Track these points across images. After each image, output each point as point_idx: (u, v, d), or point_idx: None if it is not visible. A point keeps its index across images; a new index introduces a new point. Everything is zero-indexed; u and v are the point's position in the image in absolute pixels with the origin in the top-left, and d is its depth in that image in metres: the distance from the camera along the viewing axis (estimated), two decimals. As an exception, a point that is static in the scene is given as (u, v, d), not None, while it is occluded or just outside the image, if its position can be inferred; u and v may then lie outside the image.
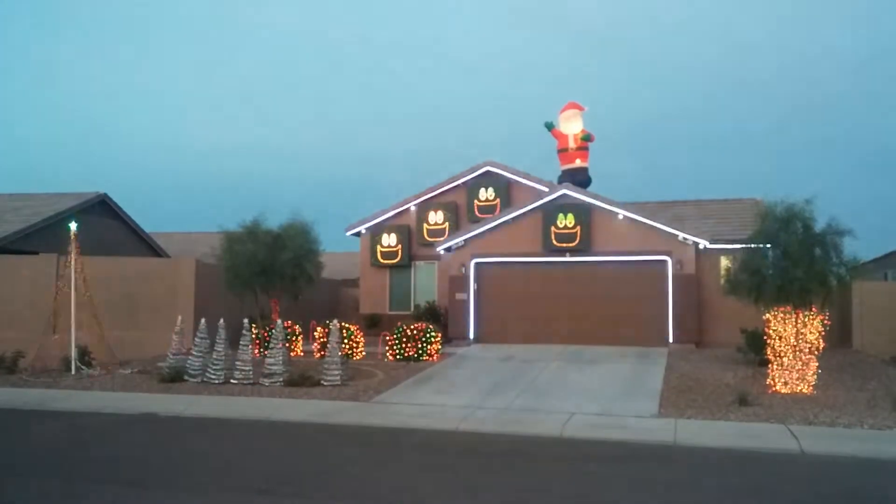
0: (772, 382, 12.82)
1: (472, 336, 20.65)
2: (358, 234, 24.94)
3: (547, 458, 8.68)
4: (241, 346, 14.01)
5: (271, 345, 14.11)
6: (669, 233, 19.73)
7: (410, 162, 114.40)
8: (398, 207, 24.33)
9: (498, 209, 22.64)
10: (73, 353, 15.49)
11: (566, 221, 20.27)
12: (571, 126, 23.24)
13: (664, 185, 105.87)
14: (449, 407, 11.61)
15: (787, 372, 12.66)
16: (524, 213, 20.87)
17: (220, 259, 16.06)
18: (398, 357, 16.69)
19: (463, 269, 21.12)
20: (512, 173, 23.40)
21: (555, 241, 20.32)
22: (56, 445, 9.40)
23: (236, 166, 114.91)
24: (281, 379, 13.55)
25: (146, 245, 26.97)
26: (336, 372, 13.52)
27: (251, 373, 13.75)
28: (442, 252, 22.00)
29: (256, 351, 15.02)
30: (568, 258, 20.42)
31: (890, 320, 17.87)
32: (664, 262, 19.78)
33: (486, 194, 23.47)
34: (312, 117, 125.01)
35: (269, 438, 9.84)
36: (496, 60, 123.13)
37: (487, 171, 23.63)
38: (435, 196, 24.04)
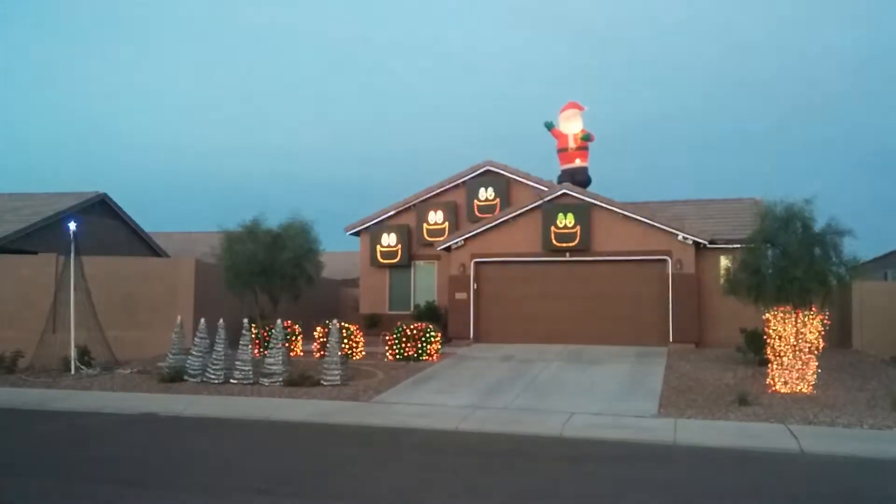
0: (771, 382, 12.83)
1: (471, 336, 20.66)
2: (358, 234, 24.93)
3: (547, 457, 8.68)
4: (240, 346, 14.01)
5: (271, 344, 14.11)
6: (669, 232, 19.74)
7: (410, 162, 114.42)
8: (398, 207, 24.32)
9: (498, 209, 22.64)
10: (73, 352, 15.49)
11: (566, 221, 20.28)
12: (571, 126, 23.24)
13: (664, 185, 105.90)
14: (449, 407, 11.61)
15: (786, 372, 12.66)
16: (524, 213, 20.88)
17: (220, 259, 16.05)
18: (398, 357, 16.70)
19: (463, 269, 21.12)
20: (512, 173, 23.39)
21: (555, 241, 20.33)
22: (55, 445, 9.40)
23: (236, 166, 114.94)
24: (281, 379, 13.55)
25: (146, 245, 26.96)
26: (336, 372, 13.52)
27: (251, 373, 13.75)
28: (442, 252, 22.00)
29: (256, 351, 15.02)
30: (568, 258, 20.42)
31: (890, 320, 17.87)
32: (664, 261, 19.79)
33: (485, 194, 23.46)
34: (312, 117, 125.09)
35: (269, 438, 9.84)
36: (496, 60, 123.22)
37: (487, 171, 23.63)
38: (435, 196, 24.04)
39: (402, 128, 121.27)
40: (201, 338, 14.42)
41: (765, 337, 13.24)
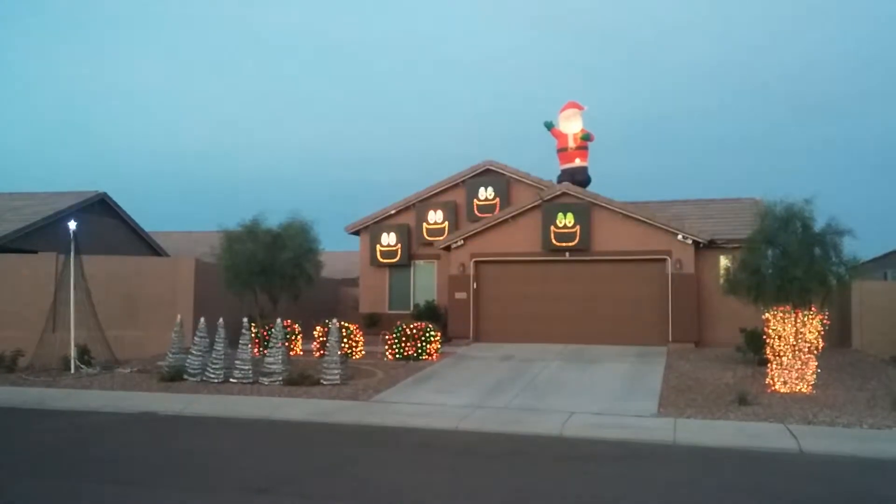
0: (771, 382, 12.83)
1: (471, 335, 20.66)
2: (357, 234, 24.93)
3: (546, 457, 8.68)
4: (240, 345, 14.01)
5: (271, 344, 14.11)
6: (669, 232, 19.74)
7: (410, 162, 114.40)
8: (398, 207, 24.31)
9: (497, 208, 22.64)
10: (73, 351, 15.49)
11: (566, 221, 20.28)
12: (571, 125, 23.22)
13: (664, 185, 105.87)
14: (448, 406, 11.61)
15: (786, 371, 12.67)
16: (524, 213, 20.88)
17: (220, 258, 16.05)
18: (398, 356, 16.70)
19: (462, 269, 21.13)
20: (511, 172, 23.39)
21: (554, 241, 20.33)
22: (55, 444, 9.40)
23: (236, 166, 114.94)
24: (280, 378, 13.55)
25: (146, 244, 26.96)
26: (335, 371, 13.53)
27: (251, 372, 13.75)
28: (441, 251, 22.00)
29: (256, 350, 15.03)
30: (567, 257, 20.42)
31: (889, 320, 17.88)
32: (664, 261, 19.79)
33: (485, 193, 23.45)
34: (313, 117, 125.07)
35: (269, 437, 9.84)
36: (496, 60, 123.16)
37: (487, 171, 23.63)
38: (434, 195, 24.03)
39: (402, 128, 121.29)
40: (201, 337, 14.42)
41: (764, 337, 13.24)
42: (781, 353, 12.70)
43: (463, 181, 23.79)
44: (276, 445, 9.32)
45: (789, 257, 12.70)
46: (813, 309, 12.81)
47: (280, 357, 13.80)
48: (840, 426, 9.99)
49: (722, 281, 14.64)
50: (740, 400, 11.36)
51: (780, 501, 6.90)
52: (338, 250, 28.65)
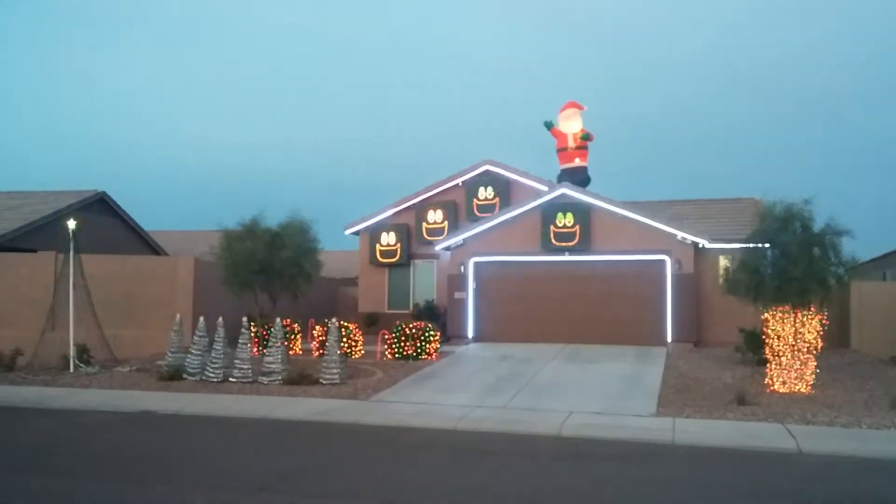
0: (770, 382, 12.83)
1: (470, 335, 20.65)
2: (357, 233, 24.92)
3: (545, 456, 8.68)
4: (239, 345, 14.00)
5: (270, 343, 14.11)
6: (668, 232, 19.73)
7: (410, 162, 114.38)
8: (397, 206, 24.30)
9: (497, 208, 22.63)
10: (72, 350, 15.48)
11: (565, 220, 20.27)
12: (571, 125, 23.22)
13: (664, 185, 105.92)
14: (447, 406, 11.61)
15: (785, 371, 12.67)
16: (523, 212, 20.86)
17: (219, 257, 16.05)
18: (397, 356, 16.69)
19: (462, 268, 21.11)
20: (511, 172, 23.38)
21: (554, 241, 20.31)
22: (54, 443, 9.40)
23: (236, 165, 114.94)
24: (280, 377, 13.55)
25: (145, 243, 26.95)
26: (335, 370, 13.52)
27: (250, 371, 13.75)
28: (441, 251, 21.99)
29: (255, 349, 15.03)
30: (567, 257, 20.41)
31: (888, 320, 17.89)
32: (663, 261, 19.78)
33: (485, 193, 23.45)
34: (313, 116, 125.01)
35: (268, 436, 9.84)
36: (496, 60, 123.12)
37: (487, 170, 23.61)
38: (434, 195, 24.02)
39: (402, 127, 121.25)
40: (200, 336, 14.42)
41: (763, 337, 13.25)
42: (780, 354, 12.71)
43: (463, 181, 23.77)
44: (275, 444, 9.33)
45: (788, 257, 12.69)
46: (812, 309, 12.81)
47: (279, 356, 13.80)
48: (839, 426, 9.99)
49: (721, 281, 14.63)
50: (739, 400, 11.37)
51: (778, 501, 6.90)
52: (337, 250, 28.68)
